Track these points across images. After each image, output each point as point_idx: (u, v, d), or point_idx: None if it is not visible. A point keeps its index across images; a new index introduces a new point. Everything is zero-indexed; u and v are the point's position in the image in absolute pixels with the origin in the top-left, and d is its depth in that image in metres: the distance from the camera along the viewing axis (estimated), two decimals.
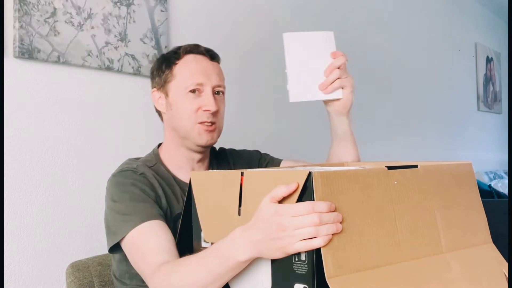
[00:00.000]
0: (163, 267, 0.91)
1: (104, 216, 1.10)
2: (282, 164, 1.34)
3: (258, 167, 1.33)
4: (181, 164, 1.19)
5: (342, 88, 1.09)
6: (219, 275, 0.82)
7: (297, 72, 1.04)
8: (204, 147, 1.17)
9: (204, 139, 1.14)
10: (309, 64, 1.05)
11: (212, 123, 1.14)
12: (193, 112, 1.13)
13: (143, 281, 1.01)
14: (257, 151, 1.38)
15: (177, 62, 1.16)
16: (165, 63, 1.18)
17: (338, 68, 1.06)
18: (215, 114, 1.14)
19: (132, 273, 1.08)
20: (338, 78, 1.06)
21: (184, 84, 1.14)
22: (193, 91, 1.13)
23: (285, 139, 2.37)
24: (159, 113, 1.23)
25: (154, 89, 1.20)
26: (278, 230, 0.73)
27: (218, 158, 1.29)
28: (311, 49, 1.04)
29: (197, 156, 1.19)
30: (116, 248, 1.05)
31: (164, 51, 1.74)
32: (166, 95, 1.17)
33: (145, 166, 1.14)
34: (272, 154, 1.41)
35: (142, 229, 1.00)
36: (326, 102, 1.13)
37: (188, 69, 1.15)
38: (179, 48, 1.19)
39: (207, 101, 1.13)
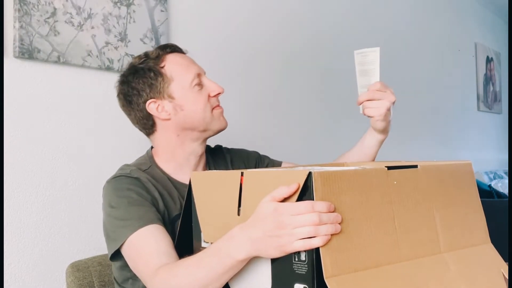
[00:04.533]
0: (162, 269, 0.91)
1: (103, 224, 1.09)
2: (282, 166, 1.34)
3: (256, 167, 1.33)
4: (182, 164, 1.18)
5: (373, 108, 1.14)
6: (217, 275, 0.81)
7: (359, 87, 1.16)
8: (223, 130, 1.20)
9: (223, 122, 1.19)
10: (361, 81, 1.15)
11: (219, 104, 1.19)
12: (206, 102, 1.15)
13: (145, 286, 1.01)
14: (256, 152, 1.39)
15: (162, 65, 1.13)
16: (149, 71, 1.13)
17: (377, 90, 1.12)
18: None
19: (135, 278, 1.08)
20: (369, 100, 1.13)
21: (186, 80, 1.13)
22: (198, 84, 1.14)
23: (284, 140, 2.37)
24: (152, 125, 1.16)
25: (151, 99, 1.12)
26: (277, 228, 0.73)
27: (214, 156, 1.29)
28: (364, 65, 1.13)
29: (201, 150, 1.20)
30: (116, 255, 1.05)
31: None
32: (171, 98, 1.13)
33: (139, 170, 1.14)
34: (271, 155, 1.41)
35: (141, 233, 1.00)
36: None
37: (180, 66, 1.15)
38: (147, 54, 1.15)
39: (213, 86, 1.17)
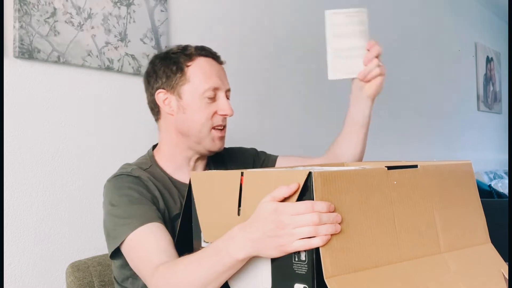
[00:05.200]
0: (162, 267, 0.91)
1: (103, 223, 1.09)
2: (278, 160, 1.34)
3: (253, 165, 1.33)
4: (181, 165, 1.18)
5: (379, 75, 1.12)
6: (217, 274, 0.82)
7: (336, 50, 1.09)
8: (215, 152, 1.18)
9: (217, 145, 1.16)
10: (347, 43, 1.08)
11: (224, 126, 1.16)
12: (209, 118, 1.13)
13: (145, 285, 1.01)
14: (254, 149, 1.39)
15: (189, 64, 1.14)
16: (174, 64, 1.14)
17: (376, 57, 1.10)
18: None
19: (135, 277, 1.08)
20: (377, 67, 1.10)
21: (200, 88, 1.12)
22: (211, 97, 1.13)
23: (283, 139, 2.37)
24: (157, 112, 1.19)
25: (162, 89, 1.15)
26: (277, 228, 0.73)
27: (213, 156, 1.29)
28: (349, 26, 1.07)
29: (199, 156, 1.20)
30: (116, 253, 1.05)
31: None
32: (179, 97, 1.13)
33: (140, 169, 1.14)
34: (270, 152, 1.41)
35: (141, 231, 1.00)
36: (357, 85, 1.16)
37: (203, 73, 1.13)
38: (185, 48, 1.16)
39: (224, 106, 1.14)
